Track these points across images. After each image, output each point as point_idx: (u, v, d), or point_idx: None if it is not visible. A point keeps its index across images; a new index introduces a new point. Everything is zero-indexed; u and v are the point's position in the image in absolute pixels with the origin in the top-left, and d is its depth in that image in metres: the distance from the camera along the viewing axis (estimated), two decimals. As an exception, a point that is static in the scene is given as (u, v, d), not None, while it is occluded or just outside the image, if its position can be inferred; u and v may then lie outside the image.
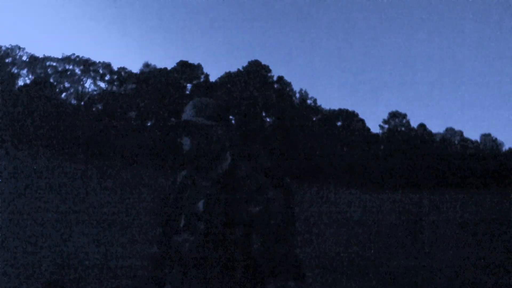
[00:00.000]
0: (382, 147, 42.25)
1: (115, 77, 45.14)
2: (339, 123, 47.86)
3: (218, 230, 1.34)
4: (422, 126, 38.51)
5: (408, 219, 15.75)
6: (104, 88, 44.81)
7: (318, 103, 50.52)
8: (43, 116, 35.67)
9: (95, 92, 44.92)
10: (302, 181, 42.83)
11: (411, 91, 78.65)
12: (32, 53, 36.23)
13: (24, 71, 34.25)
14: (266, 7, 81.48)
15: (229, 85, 51.49)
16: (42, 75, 36.29)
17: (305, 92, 50.99)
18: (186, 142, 1.45)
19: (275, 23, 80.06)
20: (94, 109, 44.55)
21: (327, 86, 78.22)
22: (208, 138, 1.43)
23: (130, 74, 45.65)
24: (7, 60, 33.17)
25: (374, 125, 74.45)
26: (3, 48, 33.04)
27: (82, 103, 42.84)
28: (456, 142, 40.10)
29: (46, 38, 73.43)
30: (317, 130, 48.35)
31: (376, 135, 42.91)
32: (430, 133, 39.07)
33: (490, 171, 33.79)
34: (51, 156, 29.98)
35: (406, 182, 37.25)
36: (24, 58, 34.55)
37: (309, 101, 50.37)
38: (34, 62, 35.22)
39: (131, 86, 45.76)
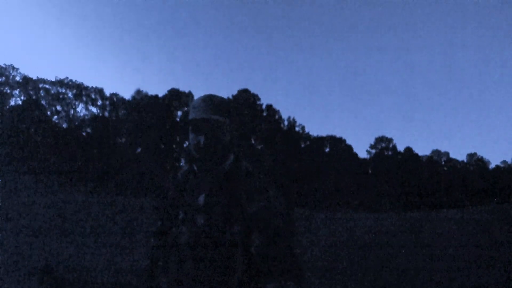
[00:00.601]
0: (369, 171, 42.97)
1: (107, 102, 45.58)
2: (327, 149, 48.71)
3: (218, 226, 1.33)
4: (408, 149, 39.64)
5: (407, 238, 15.54)
6: (96, 113, 45.18)
7: (306, 130, 51.70)
8: (32, 136, 35.67)
9: (86, 117, 45.18)
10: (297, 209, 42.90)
11: (396, 116, 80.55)
12: (26, 74, 36.82)
13: (17, 92, 34.64)
14: (256, 36, 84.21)
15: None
16: (34, 96, 36.64)
17: (293, 119, 52.30)
18: (196, 138, 1.44)
19: (264, 52, 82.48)
20: (84, 133, 44.65)
21: (314, 113, 79.87)
22: (220, 134, 1.43)
23: (122, 100, 46.20)
24: (0, 80, 33.60)
25: (362, 150, 75.96)
26: (-4, 66, 33.58)
27: (72, 126, 43.04)
28: (443, 162, 41.11)
29: (41, 60, 74.16)
30: (305, 157, 49.07)
31: (364, 159, 43.81)
32: (416, 155, 40.10)
33: (479, 189, 34.57)
34: (37, 177, 29.82)
35: (395, 204, 37.69)
36: (17, 78, 35.04)
37: (297, 128, 51.61)
38: (27, 83, 35.65)
39: (122, 112, 46.23)
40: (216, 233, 1.33)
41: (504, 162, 41.97)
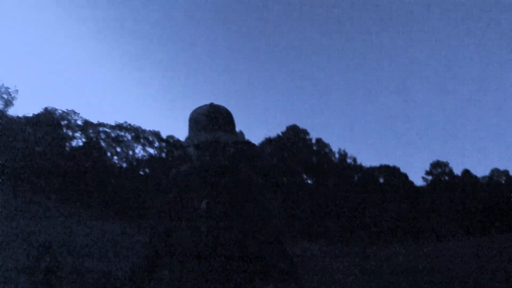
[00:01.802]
0: (427, 199, 40.31)
1: (164, 144, 48.57)
2: (381, 180, 46.61)
3: (219, 230, 1.38)
4: (466, 172, 36.66)
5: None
6: (153, 154, 48.15)
7: (358, 161, 50.16)
8: (92, 175, 38.70)
9: (144, 158, 48.26)
10: (347, 240, 41.32)
11: (449, 137, 75.52)
12: (87, 118, 40.98)
13: (78, 134, 38.60)
14: (300, 76, 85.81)
15: (269, 150, 53.10)
16: (95, 139, 40.36)
17: (344, 151, 51.17)
18: (199, 155, 1.47)
19: (310, 87, 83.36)
20: (141, 172, 47.47)
21: (365, 143, 77.61)
22: (224, 152, 1.47)
23: (177, 141, 49.11)
24: (62, 123, 37.80)
25: (417, 177, 71.22)
26: (59, 111, 37.99)
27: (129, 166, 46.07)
28: (503, 182, 37.28)
29: (101, 104, 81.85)
30: (359, 189, 47.32)
31: (421, 187, 41.16)
32: (475, 177, 36.90)
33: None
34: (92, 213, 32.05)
35: (458, 230, 34.66)
36: (79, 122, 39.22)
37: (348, 160, 50.29)
38: (87, 126, 39.62)
39: (178, 152, 48.95)
40: (218, 237, 1.39)
41: None
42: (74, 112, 38.49)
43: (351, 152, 71.03)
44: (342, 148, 54.33)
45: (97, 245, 16.58)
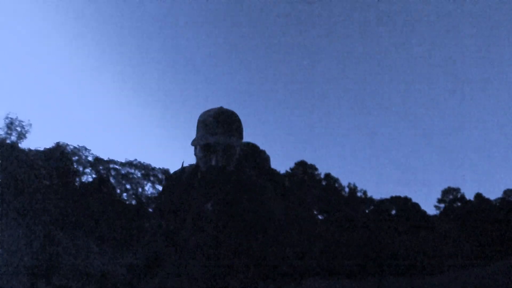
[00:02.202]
0: (441, 227, 39.31)
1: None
2: (393, 211, 45.70)
3: (224, 231, 1.37)
4: (478, 195, 35.78)
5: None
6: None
7: (369, 194, 49.57)
8: (101, 211, 38.97)
9: (153, 195, 48.52)
10: (361, 274, 40.06)
11: (460, 163, 73.94)
12: (97, 155, 41.83)
13: (88, 170, 39.37)
14: (304, 113, 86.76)
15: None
16: (105, 176, 40.97)
17: (354, 185, 50.73)
18: (206, 156, 1.45)
19: (316, 122, 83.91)
20: (150, 209, 47.61)
21: (374, 175, 76.53)
22: (232, 156, 1.46)
23: (185, 179, 49.62)
24: (73, 158, 38.73)
25: (429, 206, 69.03)
26: (71, 147, 39.10)
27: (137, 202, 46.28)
28: (517, 202, 36.12)
29: (112, 142, 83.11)
30: (371, 222, 46.33)
31: (433, 216, 40.20)
32: (488, 200, 35.93)
33: None
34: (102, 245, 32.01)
35: (473, 256, 33.38)
36: (90, 158, 40.13)
37: (359, 193, 49.75)
38: (98, 163, 40.42)
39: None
40: (222, 238, 1.38)
41: None
42: (85, 149, 39.67)
43: (360, 185, 70.39)
44: (352, 182, 53.97)
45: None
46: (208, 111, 1.55)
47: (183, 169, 1.63)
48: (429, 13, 77.79)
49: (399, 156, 76.94)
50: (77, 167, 39.01)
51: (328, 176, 53.41)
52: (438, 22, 78.22)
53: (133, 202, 47.98)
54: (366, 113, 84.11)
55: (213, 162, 1.44)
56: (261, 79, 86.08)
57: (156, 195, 52.68)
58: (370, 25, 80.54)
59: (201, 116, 1.55)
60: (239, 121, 1.54)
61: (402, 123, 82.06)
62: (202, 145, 1.48)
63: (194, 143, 1.54)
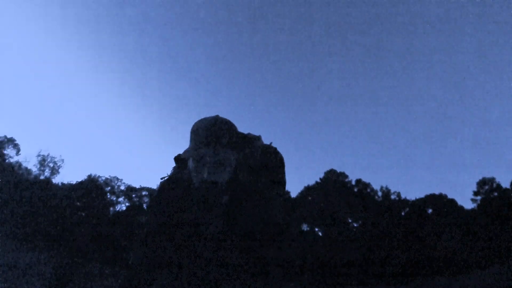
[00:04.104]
0: (480, 220, 37.50)
1: (203, 204, 50.22)
2: (429, 210, 43.96)
3: (228, 237, 1.33)
4: (515, 183, 33.79)
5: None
6: (193, 215, 49.76)
7: (403, 195, 47.91)
8: (134, 238, 40.42)
9: (185, 219, 49.91)
10: (407, 278, 38.94)
11: (492, 153, 69.72)
12: (129, 183, 43.69)
13: (121, 199, 41.08)
14: (332, 120, 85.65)
15: (309, 198, 52.37)
16: (138, 203, 42.54)
17: (387, 188, 49.26)
18: (199, 169, 1.41)
19: (347, 130, 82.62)
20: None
21: (406, 176, 73.77)
22: (225, 170, 1.41)
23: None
24: (106, 189, 40.60)
25: (466, 200, 64.63)
26: (103, 178, 41.06)
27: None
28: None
29: (143, 169, 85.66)
30: (408, 224, 44.74)
31: (472, 210, 38.26)
32: (525, 187, 33.81)
33: None
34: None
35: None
36: (122, 187, 41.92)
37: (392, 196, 48.14)
38: (130, 191, 42.12)
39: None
40: (224, 243, 1.35)
41: None
42: (117, 179, 41.56)
43: (393, 187, 67.88)
44: (384, 185, 52.51)
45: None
46: (201, 121, 1.49)
47: (172, 181, 1.54)
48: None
49: (428, 154, 74.34)
50: (110, 197, 40.96)
51: (359, 182, 52.31)
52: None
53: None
54: (388, 114, 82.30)
55: (205, 175, 1.40)
56: (279, 88, 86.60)
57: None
58: (387, 27, 79.75)
59: (194, 125, 1.49)
60: (234, 130, 1.48)
61: (425, 119, 79.62)
62: (194, 157, 1.43)
63: (185, 154, 1.48)
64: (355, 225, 50.02)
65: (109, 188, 40.58)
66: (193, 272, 1.28)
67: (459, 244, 37.18)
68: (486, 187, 36.40)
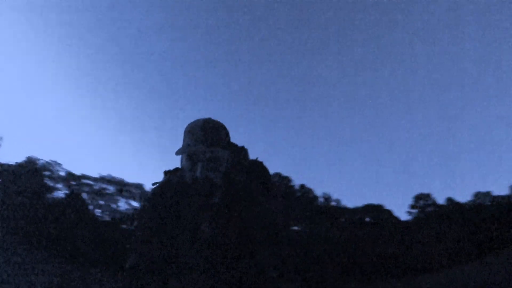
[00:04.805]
0: (415, 231, 40.82)
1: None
2: (367, 219, 46.90)
3: (219, 244, 1.35)
4: (449, 199, 37.76)
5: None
6: (137, 207, 47.35)
7: (343, 203, 50.65)
8: (73, 227, 37.55)
9: (128, 211, 47.27)
10: (343, 282, 40.71)
11: (432, 169, 77.37)
12: (70, 169, 40.45)
13: (60, 185, 37.90)
14: (278, 122, 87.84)
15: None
16: (78, 191, 39.58)
17: (328, 194, 51.73)
18: (193, 169, 1.42)
19: (291, 134, 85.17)
20: (124, 226, 46.18)
21: (347, 185, 78.38)
22: (218, 168, 1.43)
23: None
24: (45, 173, 37.22)
25: (402, 212, 71.23)
26: (42, 161, 37.60)
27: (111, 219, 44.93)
28: (488, 203, 38.28)
29: (85, 157, 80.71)
30: (345, 231, 47.22)
31: (406, 221, 41.74)
32: (459, 204, 37.90)
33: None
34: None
35: (449, 258, 34.83)
36: (62, 173, 38.69)
37: (333, 203, 50.75)
38: (70, 178, 39.03)
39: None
40: (220, 247, 1.38)
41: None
42: (57, 163, 38.25)
43: (335, 195, 71.26)
44: (327, 192, 54.97)
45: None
46: (195, 121, 1.53)
47: (167, 180, 1.57)
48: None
49: (369, 164, 79.22)
50: (48, 183, 37.49)
51: (302, 187, 54.13)
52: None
53: (106, 218, 46.46)
54: (336, 122, 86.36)
55: (198, 173, 1.40)
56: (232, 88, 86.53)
57: (131, 210, 51.19)
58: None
59: (187, 126, 1.53)
60: (226, 131, 1.51)
61: (370, 130, 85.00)
62: (186, 154, 1.44)
63: (179, 152, 1.49)
64: (296, 227, 51.57)
65: (48, 172, 37.18)
66: (188, 275, 1.29)
67: (395, 251, 39.95)
68: (422, 201, 40.05)
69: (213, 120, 1.52)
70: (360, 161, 79.76)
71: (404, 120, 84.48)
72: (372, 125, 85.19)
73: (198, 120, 1.51)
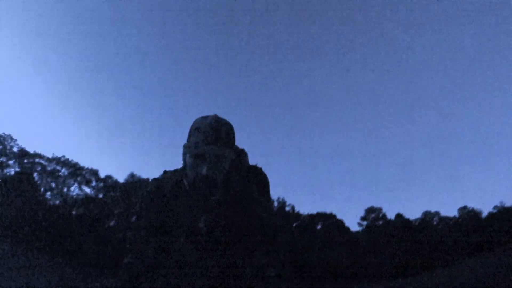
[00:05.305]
0: (364, 243, 42.74)
1: (101, 184, 46.27)
2: (318, 227, 48.50)
3: (217, 242, 1.32)
4: (399, 215, 39.96)
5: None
6: (89, 194, 45.52)
7: (296, 209, 51.86)
8: (20, 208, 35.75)
9: (79, 196, 45.48)
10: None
11: (383, 185, 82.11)
12: (24, 146, 38.05)
13: (11, 162, 35.52)
14: (241, 123, 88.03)
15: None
16: (29, 170, 37.42)
17: (283, 199, 52.73)
18: (198, 166, 1.34)
19: (255, 132, 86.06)
20: (74, 212, 44.45)
21: (303, 192, 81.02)
22: (222, 166, 1.37)
23: (115, 182, 46.90)
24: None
25: (353, 224, 74.84)
26: (-4, 135, 34.91)
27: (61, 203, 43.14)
28: (435, 223, 41.09)
29: (41, 135, 76.47)
30: (297, 236, 48.53)
31: (356, 232, 43.70)
32: (407, 220, 40.29)
33: (474, 240, 34.37)
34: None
35: (395, 272, 36.93)
36: (15, 149, 36.25)
37: (287, 208, 51.79)
38: (23, 155, 36.76)
39: (115, 194, 46.77)
40: (215, 247, 1.31)
41: (495, 207, 40.82)
42: (11, 138, 35.83)
43: (289, 200, 72.67)
44: (281, 197, 56.04)
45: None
46: (203, 118, 1.37)
47: (164, 179, 1.46)
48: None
49: (326, 175, 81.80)
50: (0, 158, 34.81)
51: (259, 189, 54.87)
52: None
53: (57, 202, 44.10)
54: (299, 128, 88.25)
55: (204, 172, 1.28)
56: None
57: (82, 196, 48.97)
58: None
59: (196, 122, 1.37)
60: (232, 131, 1.39)
61: (330, 141, 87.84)
62: (194, 153, 1.36)
63: (186, 150, 1.37)
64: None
65: (1, 147, 34.41)
66: (184, 272, 1.21)
67: (342, 259, 41.54)
68: (373, 214, 42.08)
69: (222, 119, 1.33)
70: (317, 170, 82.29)
71: (370, 138, 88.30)
72: (335, 137, 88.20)
73: (206, 117, 1.31)
